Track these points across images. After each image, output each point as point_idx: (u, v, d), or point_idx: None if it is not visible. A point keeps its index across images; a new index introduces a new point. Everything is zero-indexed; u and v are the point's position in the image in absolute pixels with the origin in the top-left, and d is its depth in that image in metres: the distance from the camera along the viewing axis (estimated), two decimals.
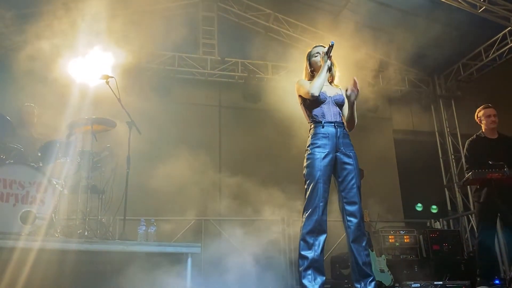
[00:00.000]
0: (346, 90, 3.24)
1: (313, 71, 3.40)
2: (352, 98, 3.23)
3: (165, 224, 6.19)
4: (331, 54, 3.24)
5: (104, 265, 3.90)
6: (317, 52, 3.36)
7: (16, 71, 5.68)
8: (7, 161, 3.95)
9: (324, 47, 3.32)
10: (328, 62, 3.24)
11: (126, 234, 4.51)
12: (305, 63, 3.47)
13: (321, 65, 3.27)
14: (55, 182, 4.13)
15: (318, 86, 3.19)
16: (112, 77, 4.65)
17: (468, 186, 6.96)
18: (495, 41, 7.33)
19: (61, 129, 4.77)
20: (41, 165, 4.24)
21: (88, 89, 5.39)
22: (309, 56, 3.44)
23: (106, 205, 4.82)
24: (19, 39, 6.27)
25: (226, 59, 8.10)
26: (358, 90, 3.21)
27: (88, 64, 5.70)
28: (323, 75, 3.21)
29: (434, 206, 7.55)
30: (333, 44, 3.21)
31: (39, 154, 4.40)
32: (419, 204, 7.34)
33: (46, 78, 5.65)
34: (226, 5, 8.54)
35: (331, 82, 3.42)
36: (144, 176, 5.71)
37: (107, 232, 4.65)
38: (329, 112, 3.25)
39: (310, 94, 3.18)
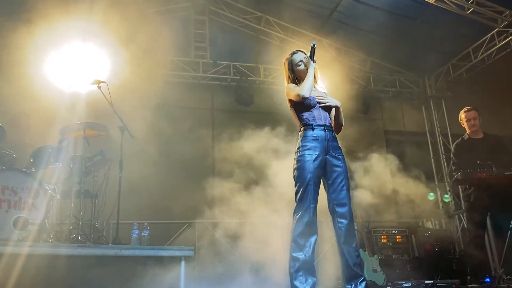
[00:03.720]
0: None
1: (297, 79, 3.38)
2: (333, 106, 3.34)
3: (158, 227, 6.21)
4: (314, 57, 3.27)
5: (98, 269, 3.91)
6: (300, 61, 3.35)
7: (7, 76, 5.67)
8: (0, 167, 3.96)
9: (303, 52, 3.37)
10: (314, 64, 3.27)
11: (120, 238, 4.53)
12: (286, 72, 3.44)
13: (307, 71, 3.29)
14: (47, 188, 4.14)
15: (308, 88, 3.21)
16: (104, 82, 4.67)
17: (460, 186, 7.03)
18: (483, 42, 7.43)
19: (53, 135, 4.77)
20: (33, 170, 4.25)
21: (80, 94, 5.40)
22: (291, 65, 3.39)
23: (99, 209, 4.83)
24: (8, 43, 6.25)
25: (218, 62, 8.14)
26: (327, 103, 3.31)
27: (80, 69, 5.72)
28: (311, 77, 3.24)
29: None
30: (314, 45, 3.26)
31: (32, 160, 4.41)
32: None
33: (38, 83, 5.65)
34: (217, 8, 8.58)
35: (314, 84, 3.44)
36: (137, 180, 5.72)
37: (101, 237, 4.67)
38: (319, 116, 3.30)
39: (300, 96, 3.19)
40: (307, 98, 3.22)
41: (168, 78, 7.78)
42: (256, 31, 8.65)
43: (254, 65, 8.26)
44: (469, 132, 4.81)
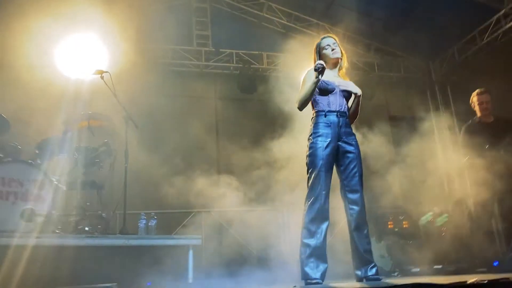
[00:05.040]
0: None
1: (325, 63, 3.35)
2: (353, 92, 3.32)
3: (165, 217, 6.21)
4: (321, 75, 3.13)
5: (106, 260, 3.92)
6: (328, 45, 3.35)
7: (11, 69, 5.63)
8: (5, 159, 3.95)
9: (334, 38, 3.36)
10: (316, 82, 3.13)
11: (127, 228, 4.52)
12: (313, 55, 3.43)
13: (336, 57, 3.33)
14: (53, 179, 4.14)
15: (302, 102, 3.21)
16: (107, 72, 4.62)
17: (466, 171, 6.99)
18: (489, 25, 7.32)
19: (57, 126, 4.75)
20: (39, 162, 4.24)
21: (83, 85, 5.36)
22: (319, 49, 3.40)
23: (106, 200, 4.83)
24: (10, 36, 6.20)
25: (220, 50, 8.06)
26: (348, 88, 3.29)
27: (81, 59, 5.68)
28: (310, 91, 3.17)
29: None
30: (324, 68, 3.10)
31: (37, 152, 4.41)
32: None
33: (41, 74, 5.61)
34: None
35: (339, 70, 3.42)
36: (142, 170, 5.70)
37: (108, 227, 4.67)
38: (335, 102, 3.26)
39: (296, 106, 3.25)
40: (301, 110, 3.25)
41: (170, 68, 7.73)
42: (259, 17, 8.55)
43: (257, 52, 8.17)
44: (480, 115, 4.74)
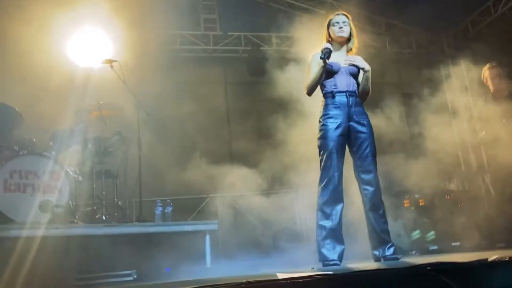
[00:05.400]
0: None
1: (331, 41, 3.33)
2: (360, 68, 3.23)
3: (180, 203, 6.26)
4: (327, 58, 3.10)
5: (125, 247, 3.97)
6: (337, 22, 3.29)
7: (22, 62, 5.65)
8: (21, 153, 4.00)
9: (346, 16, 3.30)
10: (322, 67, 3.11)
11: (144, 216, 4.58)
12: (324, 33, 3.39)
13: (340, 36, 3.27)
14: (69, 170, 4.18)
15: (309, 86, 3.21)
16: (116, 61, 4.62)
17: (482, 146, 6.89)
18: None
19: (70, 117, 4.78)
20: (54, 154, 4.28)
21: (93, 75, 5.36)
22: (329, 24, 3.36)
23: (121, 188, 4.88)
24: (19, 28, 6.21)
25: (228, 33, 7.97)
26: (355, 63, 3.21)
27: (90, 49, 5.66)
28: (318, 76, 3.15)
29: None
30: (331, 51, 3.09)
31: (51, 144, 4.45)
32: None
33: (51, 65, 5.62)
34: None
35: (347, 51, 3.37)
36: (156, 157, 5.73)
37: (125, 215, 4.73)
38: (342, 82, 3.22)
39: (305, 92, 3.26)
40: (309, 96, 3.26)
41: (179, 53, 7.68)
42: None
43: (266, 34, 8.06)
44: (493, 90, 4.63)
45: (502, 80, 4.57)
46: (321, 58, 3.06)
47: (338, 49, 3.29)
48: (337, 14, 3.35)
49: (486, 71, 4.68)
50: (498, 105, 4.54)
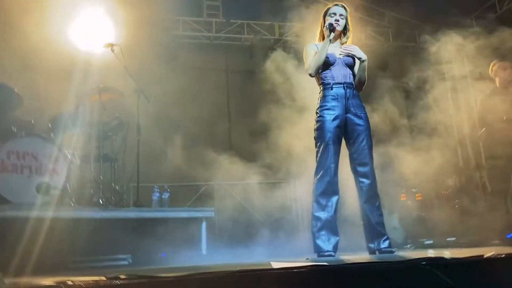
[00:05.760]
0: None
1: (325, 31, 3.31)
2: (357, 57, 3.22)
3: (178, 189, 6.27)
4: (331, 37, 3.15)
5: (120, 232, 3.98)
6: (333, 13, 3.26)
7: (22, 44, 5.61)
8: (19, 134, 3.98)
9: (344, 8, 3.26)
10: (328, 43, 3.15)
11: (141, 201, 4.58)
12: (320, 21, 3.37)
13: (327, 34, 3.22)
14: (67, 153, 4.17)
15: (315, 67, 3.17)
16: (117, 44, 4.58)
17: (480, 142, 6.89)
18: None
19: (70, 100, 4.76)
20: (52, 136, 4.27)
21: (94, 58, 5.32)
22: (325, 13, 3.34)
23: (119, 173, 4.87)
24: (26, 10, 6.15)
25: (231, 20, 7.91)
26: (352, 52, 3.20)
27: (91, 32, 5.61)
28: (322, 55, 3.15)
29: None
30: (334, 28, 3.15)
31: (50, 126, 4.43)
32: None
33: (51, 48, 5.58)
34: None
35: (342, 44, 3.34)
36: (154, 143, 5.72)
37: (122, 200, 4.73)
38: (338, 73, 3.20)
39: (308, 73, 3.21)
40: (313, 76, 3.21)
41: (181, 39, 7.63)
42: None
43: (269, 23, 8.00)
44: (499, 84, 4.60)
45: (510, 71, 4.52)
46: (329, 30, 3.12)
47: (333, 41, 3.26)
48: (336, 5, 3.31)
49: (495, 65, 4.65)
50: (503, 100, 4.50)
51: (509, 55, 5.27)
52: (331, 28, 3.13)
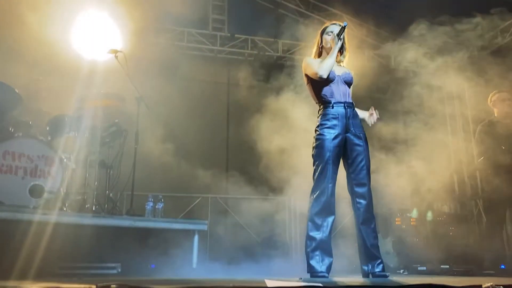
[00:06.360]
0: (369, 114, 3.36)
1: (322, 48, 3.33)
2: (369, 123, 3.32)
3: (172, 200, 6.22)
4: (342, 36, 3.15)
5: (111, 240, 3.93)
6: (331, 31, 3.25)
7: (25, 44, 5.61)
8: (16, 134, 3.95)
9: (340, 26, 3.22)
10: (339, 43, 3.14)
11: (134, 210, 4.53)
12: (317, 38, 3.37)
13: (331, 46, 3.19)
14: (63, 156, 4.14)
15: (327, 68, 3.11)
16: (121, 51, 4.59)
17: (477, 171, 6.90)
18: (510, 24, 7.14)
19: (70, 103, 4.74)
20: (49, 139, 4.24)
21: (97, 64, 5.33)
22: (322, 32, 3.33)
23: (114, 180, 4.83)
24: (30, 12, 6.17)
25: (235, 35, 7.97)
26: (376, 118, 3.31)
27: (97, 38, 5.63)
28: (333, 56, 3.12)
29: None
30: (345, 26, 3.12)
31: (48, 128, 4.40)
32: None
33: (55, 51, 5.58)
34: None
35: (339, 62, 3.35)
36: (152, 152, 5.69)
37: (115, 207, 4.67)
38: (338, 91, 3.19)
39: (318, 76, 3.12)
40: (325, 78, 3.12)
41: (185, 51, 7.67)
42: (276, 4, 8.42)
43: (273, 39, 8.07)
44: (498, 115, 4.63)
45: (510, 102, 4.55)
46: (339, 36, 3.10)
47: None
48: (333, 23, 3.32)
49: (494, 95, 4.68)
50: (502, 130, 4.52)
51: (508, 85, 5.31)
52: (344, 26, 3.09)
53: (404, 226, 6.05)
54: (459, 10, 6.60)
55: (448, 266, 4.69)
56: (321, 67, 3.11)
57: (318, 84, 3.21)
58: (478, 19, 6.35)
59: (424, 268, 4.77)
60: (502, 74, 5.92)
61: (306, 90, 3.43)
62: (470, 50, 8.20)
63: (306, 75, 3.29)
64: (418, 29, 7.51)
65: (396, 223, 6.20)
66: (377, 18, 7.74)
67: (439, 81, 8.69)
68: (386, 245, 5.70)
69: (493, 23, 7.10)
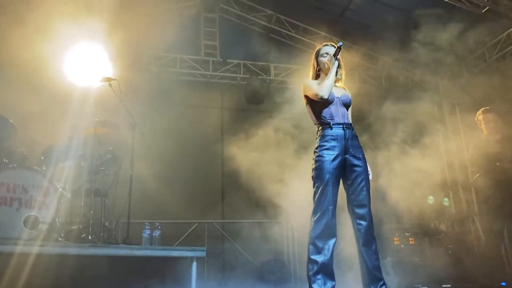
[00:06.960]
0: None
1: (319, 70, 3.36)
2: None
3: (168, 227, 6.15)
4: (338, 56, 3.20)
5: (108, 269, 3.86)
6: (326, 53, 3.29)
7: (17, 73, 5.62)
8: (10, 165, 3.91)
9: (334, 47, 3.27)
10: (336, 63, 3.19)
11: (130, 238, 4.47)
12: (312, 61, 3.41)
13: (328, 67, 3.23)
14: (58, 186, 4.10)
15: (327, 88, 3.13)
16: (115, 79, 4.61)
17: (473, 188, 6.93)
18: (499, 41, 7.30)
19: (64, 132, 4.72)
20: (44, 168, 4.21)
21: (90, 92, 5.34)
22: (317, 55, 3.37)
23: (110, 208, 4.78)
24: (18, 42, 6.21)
25: (228, 60, 8.06)
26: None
27: (90, 66, 5.66)
28: (332, 77, 3.16)
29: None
30: (341, 46, 3.17)
31: (42, 158, 4.37)
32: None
33: (47, 80, 5.59)
34: (227, 6, 8.49)
35: (335, 83, 3.38)
36: (147, 179, 5.67)
37: (111, 236, 4.61)
38: (337, 113, 3.21)
39: (319, 97, 3.13)
40: (326, 99, 3.13)
41: (177, 77, 7.73)
42: (266, 29, 8.55)
43: (265, 63, 8.17)
44: (487, 133, 4.69)
45: (497, 124, 4.63)
46: (335, 56, 3.15)
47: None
48: (326, 45, 3.37)
49: (480, 115, 4.76)
50: (491, 147, 4.58)
51: (497, 101, 5.40)
52: (340, 46, 3.14)
53: (402, 246, 6.01)
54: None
55: (449, 286, 4.65)
56: (321, 88, 3.13)
57: (317, 106, 3.23)
58: None
59: None
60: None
61: (299, 113, 3.45)
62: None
63: (306, 97, 3.31)
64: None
65: (395, 243, 6.16)
66: (365, 40, 7.87)
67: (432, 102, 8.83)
68: (385, 266, 5.64)
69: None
